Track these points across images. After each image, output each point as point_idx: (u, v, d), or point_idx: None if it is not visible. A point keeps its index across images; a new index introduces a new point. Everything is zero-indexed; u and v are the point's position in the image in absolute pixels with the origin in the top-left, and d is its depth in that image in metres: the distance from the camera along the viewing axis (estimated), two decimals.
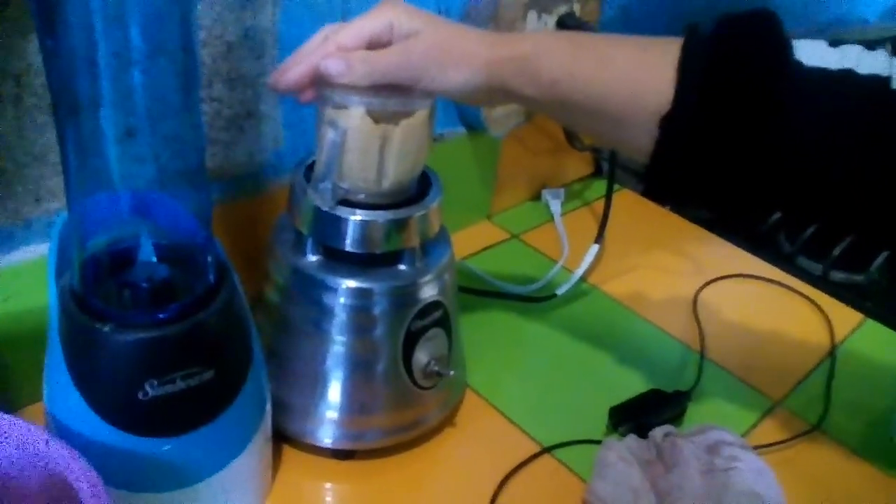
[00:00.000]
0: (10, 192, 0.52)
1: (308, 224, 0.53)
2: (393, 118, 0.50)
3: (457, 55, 0.49)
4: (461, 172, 0.84)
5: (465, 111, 0.80)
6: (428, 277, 0.55)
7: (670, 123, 0.47)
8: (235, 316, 0.48)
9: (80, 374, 0.43)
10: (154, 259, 0.46)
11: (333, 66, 0.48)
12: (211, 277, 0.46)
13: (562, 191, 0.97)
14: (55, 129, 0.41)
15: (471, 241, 0.86)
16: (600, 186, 0.96)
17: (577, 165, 1.01)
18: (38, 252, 0.55)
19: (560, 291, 0.79)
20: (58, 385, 0.44)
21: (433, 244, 0.57)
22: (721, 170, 0.48)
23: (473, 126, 0.82)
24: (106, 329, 0.42)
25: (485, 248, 0.87)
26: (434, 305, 0.56)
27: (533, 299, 0.78)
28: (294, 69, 0.49)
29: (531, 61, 0.50)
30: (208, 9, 0.56)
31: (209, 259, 0.47)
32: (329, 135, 0.50)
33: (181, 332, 0.43)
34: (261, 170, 0.65)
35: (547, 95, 0.50)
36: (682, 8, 0.99)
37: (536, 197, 0.97)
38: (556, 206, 0.94)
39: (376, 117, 0.49)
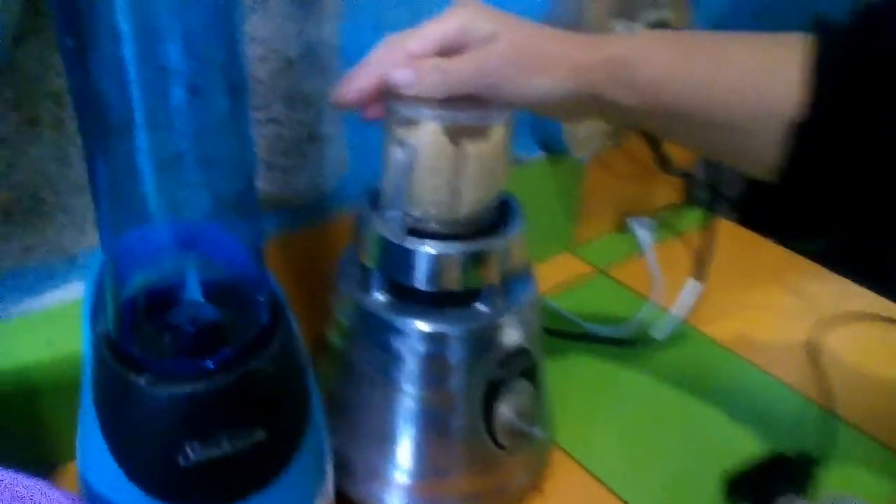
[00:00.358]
0: (50, 224, 0.48)
1: (375, 258, 0.47)
2: (468, 134, 0.43)
3: (541, 60, 0.43)
4: (540, 200, 0.78)
5: (545, 131, 0.74)
6: (511, 319, 0.48)
7: (804, 131, 0.40)
8: (292, 363, 0.42)
9: (113, 433, 0.37)
10: (201, 298, 0.41)
11: (401, 77, 0.42)
12: (264, 318, 0.41)
13: (651, 220, 0.89)
14: (85, 152, 0.36)
15: (552, 276, 0.79)
16: (692, 215, 0.88)
17: (666, 192, 0.93)
18: (83, 290, 0.50)
19: (656, 334, 0.71)
20: (90, 445, 0.38)
21: (516, 280, 0.50)
22: (865, 183, 0.41)
23: (554, 148, 0.75)
24: (141, 381, 0.36)
25: (568, 284, 0.79)
26: (518, 352, 0.49)
27: (625, 342, 0.70)
28: (358, 81, 0.44)
29: (629, 65, 0.43)
30: (265, 20, 0.51)
31: (262, 298, 0.41)
32: (397, 155, 0.44)
33: (228, 385, 0.38)
34: (324, 198, 0.60)
35: (648, 104, 0.43)
36: (778, 15, 0.91)
37: (622, 227, 0.89)
38: (645, 237, 0.86)
39: (450, 133, 0.43)
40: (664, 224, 0.91)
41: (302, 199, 0.59)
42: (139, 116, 0.35)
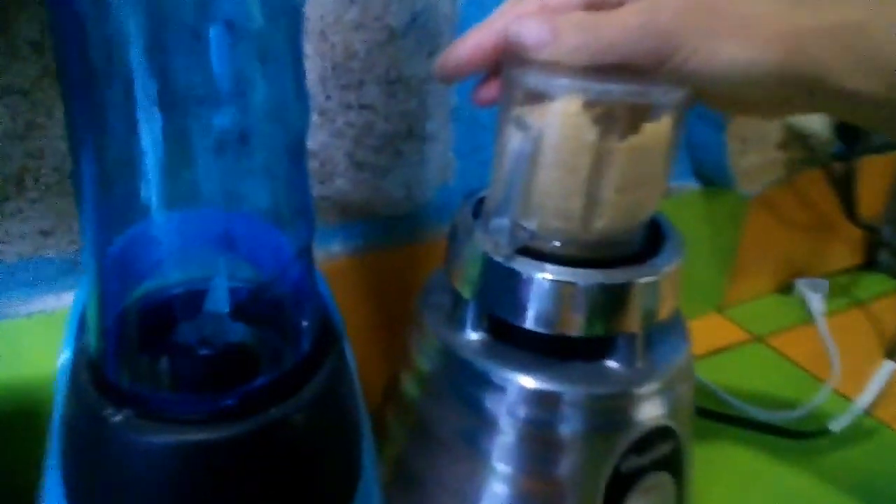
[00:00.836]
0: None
1: (471, 283, 0.35)
2: (619, 120, 0.31)
3: (734, 21, 0.30)
4: (688, 244, 0.63)
5: (704, 151, 0.60)
6: (653, 386, 0.35)
7: None
8: (341, 414, 0.30)
9: (76, 488, 0.27)
10: (226, 309, 0.30)
11: (531, 33, 0.31)
12: (306, 347, 0.29)
13: (824, 283, 0.73)
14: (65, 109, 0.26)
15: (696, 340, 0.64)
16: (876, 281, 0.71)
17: (845, 249, 0.76)
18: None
19: (832, 424, 0.54)
20: (50, 499, 0.28)
21: (663, 333, 0.37)
22: None
23: (713, 178, 0.61)
24: (117, 418, 0.26)
25: (716, 352, 0.64)
26: (661, 433, 0.35)
27: (792, 433, 0.54)
28: (471, 39, 0.33)
29: (870, 35, 0.29)
30: None
31: (307, 320, 0.30)
32: (515, 141, 0.32)
33: (243, 438, 0.26)
34: (419, 210, 0.49)
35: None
36: None
37: (788, 288, 0.73)
38: (816, 303, 0.70)
39: (594, 117, 0.31)
40: (840, 289, 0.74)
41: (392, 208, 0.48)
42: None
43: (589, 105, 0.31)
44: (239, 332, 0.30)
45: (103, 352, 0.28)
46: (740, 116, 0.54)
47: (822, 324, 0.68)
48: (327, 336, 0.31)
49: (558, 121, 0.31)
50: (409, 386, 0.38)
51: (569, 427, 0.34)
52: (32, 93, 0.35)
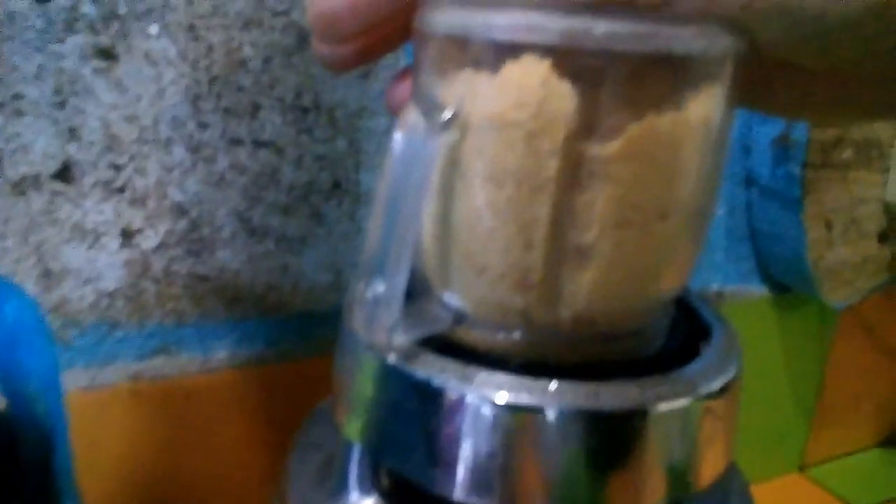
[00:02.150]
0: None
1: (357, 414, 0.20)
2: (613, 102, 0.16)
3: None
4: (754, 374, 0.46)
5: (772, 245, 0.44)
6: None
7: None
8: None
9: None
10: None
11: None
12: None
13: None
14: None
15: None
16: None
17: None
18: None
19: None
20: None
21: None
22: None
23: (786, 281, 0.45)
24: None
25: None
26: None
27: None
28: None
29: None
30: None
31: None
32: (412, 141, 0.17)
33: None
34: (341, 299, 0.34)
35: None
36: None
37: (892, 441, 0.55)
38: None
39: (568, 91, 0.16)
40: None
41: (311, 299, 0.34)
42: None
43: (557, 65, 0.16)
44: None
45: None
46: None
47: None
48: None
49: (500, 95, 0.17)
50: None
51: None
52: None
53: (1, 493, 0.16)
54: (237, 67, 0.30)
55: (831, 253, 0.42)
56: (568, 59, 0.16)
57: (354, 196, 0.34)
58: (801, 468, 0.53)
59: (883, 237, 0.44)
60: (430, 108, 0.17)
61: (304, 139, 0.32)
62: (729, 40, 0.16)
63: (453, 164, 0.18)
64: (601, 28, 0.15)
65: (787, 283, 0.46)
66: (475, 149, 0.17)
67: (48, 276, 0.30)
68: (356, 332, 0.19)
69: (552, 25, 0.16)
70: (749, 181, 0.43)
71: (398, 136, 0.17)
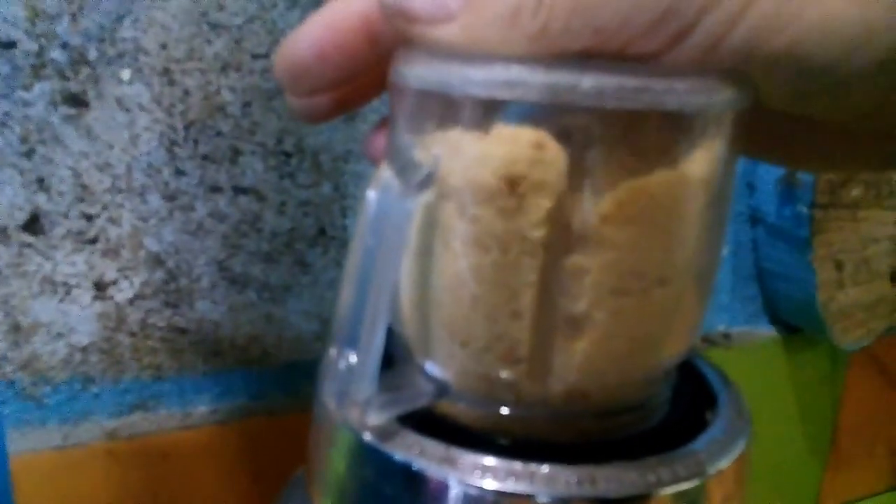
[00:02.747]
0: None
1: (332, 492, 0.18)
2: (603, 161, 0.15)
3: None
4: (764, 417, 0.45)
5: (781, 286, 0.43)
6: None
7: None
8: None
9: None
10: None
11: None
12: None
13: None
14: None
15: None
16: None
17: None
18: None
19: None
20: None
21: None
22: None
23: (796, 322, 0.44)
24: None
25: None
26: None
27: None
28: (320, 20, 0.18)
29: None
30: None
31: None
32: (386, 201, 0.16)
33: None
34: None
35: None
36: None
37: None
38: None
39: (553, 150, 0.15)
40: None
41: (295, 350, 0.33)
42: None
43: (542, 123, 0.15)
44: None
45: None
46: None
47: None
48: None
49: (484, 155, 0.15)
50: None
51: None
52: None
53: None
54: (215, 112, 0.29)
55: (842, 294, 0.41)
56: (553, 117, 0.15)
57: (341, 242, 0.32)
58: None
59: None
60: (406, 166, 0.16)
61: (286, 184, 0.30)
62: (730, 93, 0.15)
63: (432, 226, 0.16)
64: (588, 83, 0.14)
65: (797, 324, 0.44)
66: (456, 210, 0.16)
67: (17, 331, 0.28)
68: (329, 408, 0.18)
69: (535, 80, 0.14)
70: (754, 220, 0.42)
71: (371, 195, 0.16)
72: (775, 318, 0.45)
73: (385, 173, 0.16)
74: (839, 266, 0.40)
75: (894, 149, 0.18)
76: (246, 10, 0.28)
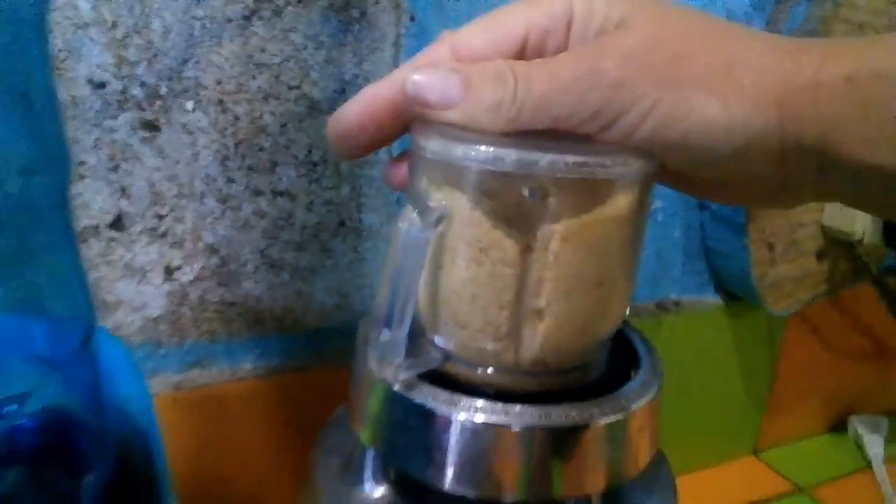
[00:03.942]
0: None
1: (370, 425, 0.27)
2: (556, 203, 0.23)
3: (710, 66, 0.23)
4: (711, 372, 0.54)
5: (722, 263, 0.51)
6: None
7: None
8: None
9: None
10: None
11: (433, 86, 0.24)
12: (64, 488, 0.21)
13: (883, 421, 0.62)
14: None
15: (725, 491, 0.54)
16: None
17: None
18: None
19: None
20: None
21: (642, 493, 0.28)
22: None
23: (736, 292, 0.52)
24: None
25: None
26: None
27: None
28: (360, 98, 0.26)
29: (891, 89, 0.22)
30: (275, 33, 0.35)
31: (95, 468, 0.22)
32: (406, 226, 0.24)
33: None
34: (357, 321, 0.41)
35: None
36: None
37: (840, 427, 0.63)
38: (874, 446, 0.60)
39: (517, 199, 0.23)
40: None
41: (321, 319, 0.41)
42: None
43: (513, 180, 0.23)
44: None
45: None
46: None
47: (882, 471, 0.57)
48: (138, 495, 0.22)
49: (470, 201, 0.23)
50: None
51: None
52: None
53: (121, 497, 0.23)
54: (258, 132, 0.36)
55: (774, 270, 0.49)
56: (523, 180, 0.23)
57: (357, 233, 0.40)
58: (755, 452, 0.61)
59: (821, 255, 0.51)
60: (424, 209, 0.24)
61: (314, 188, 0.38)
62: (641, 164, 0.23)
63: (443, 248, 0.24)
64: (545, 160, 0.22)
65: (738, 293, 0.53)
66: (459, 238, 0.24)
67: (105, 307, 0.36)
68: (370, 367, 0.26)
69: (509, 157, 0.22)
70: (702, 205, 0.50)
71: (402, 227, 0.24)
72: (719, 289, 0.53)
73: (410, 213, 0.24)
74: (771, 247, 0.49)
75: (761, 197, 0.26)
76: (283, 52, 0.36)
